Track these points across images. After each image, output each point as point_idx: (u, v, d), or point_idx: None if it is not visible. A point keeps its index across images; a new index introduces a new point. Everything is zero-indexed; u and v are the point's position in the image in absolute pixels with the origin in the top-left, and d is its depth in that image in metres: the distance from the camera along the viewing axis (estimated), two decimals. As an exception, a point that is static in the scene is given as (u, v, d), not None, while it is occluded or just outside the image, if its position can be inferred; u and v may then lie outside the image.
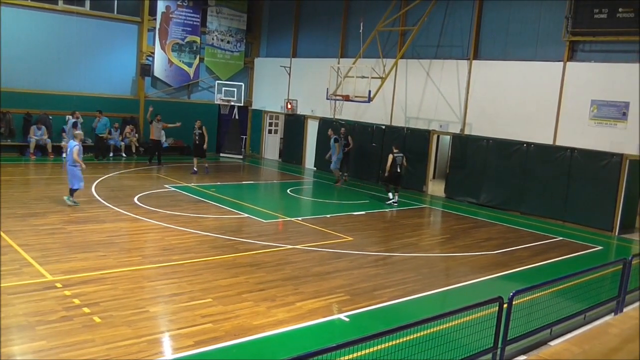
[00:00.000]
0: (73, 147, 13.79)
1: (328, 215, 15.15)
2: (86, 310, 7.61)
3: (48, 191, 15.49)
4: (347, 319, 8.07)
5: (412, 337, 5.81)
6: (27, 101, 21.07)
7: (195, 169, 20.15)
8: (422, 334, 5.94)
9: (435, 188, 20.30)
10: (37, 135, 20.80)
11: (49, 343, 6.60)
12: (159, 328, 7.40)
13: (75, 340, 6.71)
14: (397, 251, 12.07)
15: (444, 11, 19.35)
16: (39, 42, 21.30)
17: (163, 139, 21.21)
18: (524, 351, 7.14)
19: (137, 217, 13.19)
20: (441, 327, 6.25)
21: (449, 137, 19.97)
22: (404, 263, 11.25)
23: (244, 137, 27.31)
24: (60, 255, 9.90)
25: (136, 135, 23.44)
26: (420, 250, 12.45)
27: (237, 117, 26.62)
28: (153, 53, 24.07)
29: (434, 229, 15.66)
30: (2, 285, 8.25)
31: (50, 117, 21.40)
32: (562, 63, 16.56)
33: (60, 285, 8.44)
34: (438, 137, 20.75)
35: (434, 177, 20.96)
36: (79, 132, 14.69)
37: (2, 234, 10.81)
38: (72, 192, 13.88)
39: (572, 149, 16.31)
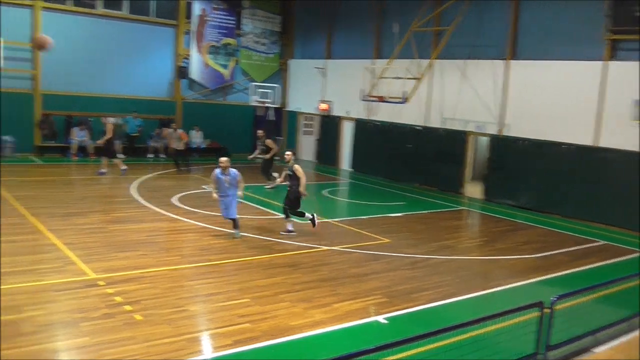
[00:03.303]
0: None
1: (364, 217, 15.10)
2: (127, 308, 7.76)
3: (89, 191, 15.88)
4: (385, 321, 8.02)
5: (451, 340, 5.77)
6: (68, 104, 21.63)
7: (102, 170, 18.07)
8: (461, 337, 5.89)
9: (473, 190, 20.01)
10: (79, 136, 21.33)
11: (92, 339, 6.75)
12: (198, 327, 7.51)
13: (117, 337, 6.85)
14: (434, 253, 11.94)
15: (479, 11, 19.06)
16: (79, 45, 21.76)
17: (182, 146, 20.21)
18: (565, 358, 6.98)
19: (176, 217, 13.40)
20: (480, 332, 6.18)
21: (486, 138, 19.68)
22: (441, 265, 11.13)
23: (280, 138, 27.43)
24: (102, 254, 10.13)
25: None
26: (458, 252, 12.30)
27: (272, 118, 26.79)
28: (189, 55, 24.41)
29: (471, 232, 15.45)
30: (46, 282, 8.53)
31: (90, 119, 21.88)
32: (602, 62, 16.13)
33: (103, 283, 8.64)
34: (475, 138, 20.46)
35: (471, 179, 20.67)
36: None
37: (47, 231, 11.12)
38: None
39: (614, 150, 15.88)
